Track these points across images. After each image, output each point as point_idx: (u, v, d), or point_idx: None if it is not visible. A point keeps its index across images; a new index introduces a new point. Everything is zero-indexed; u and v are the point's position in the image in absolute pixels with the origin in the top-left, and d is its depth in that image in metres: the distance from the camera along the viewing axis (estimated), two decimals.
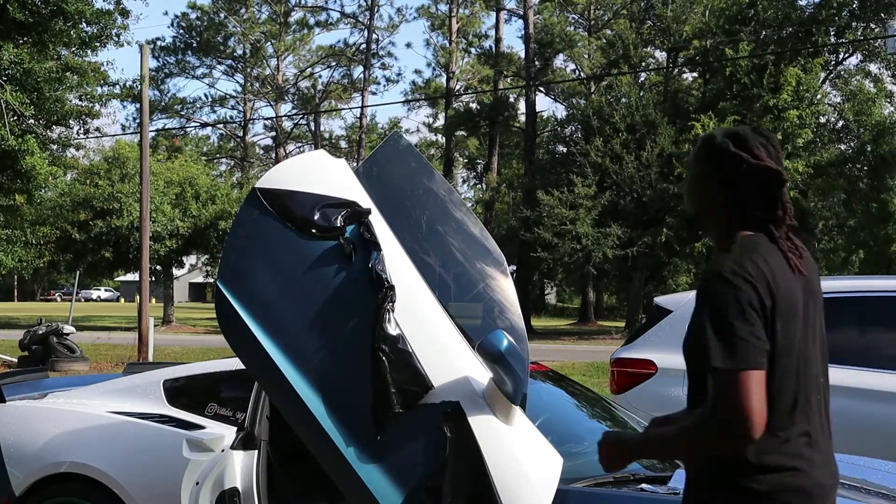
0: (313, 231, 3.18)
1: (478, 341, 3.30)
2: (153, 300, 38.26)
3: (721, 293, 2.11)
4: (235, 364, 4.49)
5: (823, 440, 2.20)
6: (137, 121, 36.71)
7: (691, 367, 2.22)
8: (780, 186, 2.22)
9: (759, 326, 2.07)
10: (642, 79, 32.99)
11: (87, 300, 72.32)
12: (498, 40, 40.60)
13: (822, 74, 30.98)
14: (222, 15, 48.02)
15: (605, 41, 35.61)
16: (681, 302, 6.07)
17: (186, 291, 77.26)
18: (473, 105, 41.66)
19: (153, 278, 32.36)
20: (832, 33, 31.24)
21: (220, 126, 51.14)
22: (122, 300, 74.47)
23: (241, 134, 51.32)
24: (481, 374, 3.10)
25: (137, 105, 37.57)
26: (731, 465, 2.09)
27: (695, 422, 2.08)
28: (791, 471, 2.10)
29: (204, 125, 50.64)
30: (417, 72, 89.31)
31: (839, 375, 5.38)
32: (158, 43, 47.37)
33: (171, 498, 3.99)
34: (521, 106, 40.43)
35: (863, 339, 5.97)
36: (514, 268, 34.24)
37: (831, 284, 6.12)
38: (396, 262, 3.21)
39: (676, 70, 33.39)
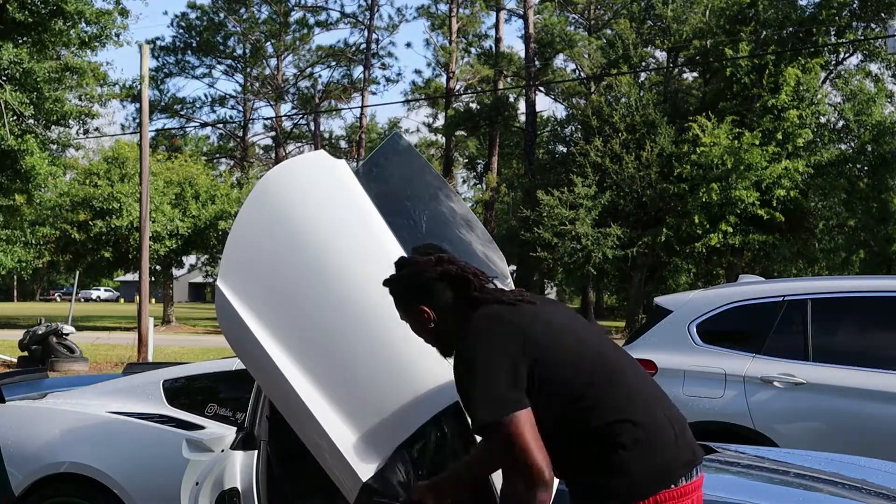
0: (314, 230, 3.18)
1: None
2: (153, 300, 38.27)
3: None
4: (235, 364, 4.50)
5: None
6: (137, 121, 36.74)
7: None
8: (451, 265, 2.56)
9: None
10: (642, 79, 33.00)
11: (86, 300, 72.27)
12: (498, 40, 40.59)
13: (823, 74, 30.95)
14: (222, 15, 47.99)
15: (605, 41, 35.61)
16: (681, 302, 6.07)
17: (186, 291, 77.25)
18: (473, 105, 41.64)
19: (153, 278, 32.38)
20: (832, 33, 31.21)
21: (220, 126, 51.13)
22: (122, 300, 74.44)
23: (240, 134, 51.30)
24: None
25: (137, 105, 37.61)
26: None
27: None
28: None
29: (204, 125, 50.63)
30: (417, 72, 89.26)
31: (840, 375, 5.39)
32: (158, 43, 47.38)
33: (171, 498, 3.99)
34: (521, 106, 40.44)
35: (863, 339, 5.97)
36: (514, 268, 34.24)
37: (831, 284, 6.13)
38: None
39: (676, 70, 33.39)
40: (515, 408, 2.29)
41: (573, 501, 2.47)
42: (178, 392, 4.72)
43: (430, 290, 2.55)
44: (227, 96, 50.49)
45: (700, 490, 2.47)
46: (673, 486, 2.36)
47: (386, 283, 2.63)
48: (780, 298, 5.74)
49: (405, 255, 3.21)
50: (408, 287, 2.58)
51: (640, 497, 2.33)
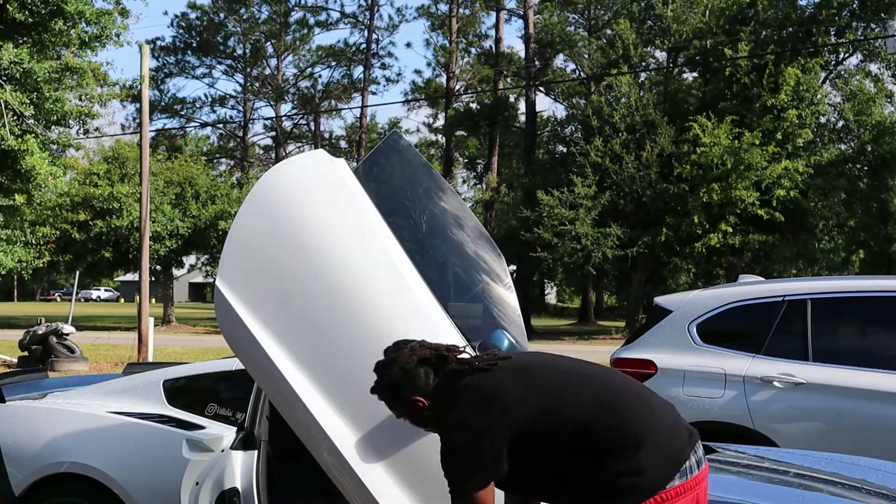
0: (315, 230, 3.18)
1: (478, 341, 3.30)
2: (153, 300, 38.27)
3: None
4: (235, 364, 4.49)
5: None
6: (137, 121, 36.71)
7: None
8: (424, 349, 2.69)
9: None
10: (642, 79, 32.97)
11: (86, 300, 72.28)
12: (498, 40, 40.58)
13: (822, 74, 30.94)
14: (222, 15, 47.99)
15: (605, 41, 35.59)
16: (681, 302, 6.07)
17: (186, 291, 77.25)
18: (473, 105, 41.63)
19: (153, 278, 32.39)
20: (832, 33, 31.21)
21: (220, 126, 51.13)
22: (122, 300, 74.45)
23: (240, 134, 51.29)
24: None
25: (137, 105, 37.59)
26: None
27: None
28: None
29: (204, 125, 50.62)
30: (417, 72, 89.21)
31: (840, 375, 5.38)
32: (158, 43, 47.37)
33: (171, 498, 3.99)
34: (521, 106, 40.44)
35: (863, 339, 5.97)
36: (514, 268, 34.24)
37: (831, 284, 6.13)
38: (395, 261, 3.20)
39: (676, 70, 33.38)
40: (478, 486, 2.51)
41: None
42: (178, 392, 4.72)
43: (414, 378, 2.66)
44: (227, 96, 50.53)
45: (706, 480, 2.65)
46: (686, 476, 2.53)
47: (373, 391, 2.74)
48: (780, 298, 5.74)
49: (403, 252, 3.22)
50: (395, 384, 2.68)
51: (660, 487, 2.50)
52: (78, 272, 34.28)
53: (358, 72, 48.57)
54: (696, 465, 2.58)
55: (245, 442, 3.81)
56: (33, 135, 17.43)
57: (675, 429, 2.60)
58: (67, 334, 16.44)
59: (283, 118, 50.49)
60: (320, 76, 51.20)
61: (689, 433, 2.62)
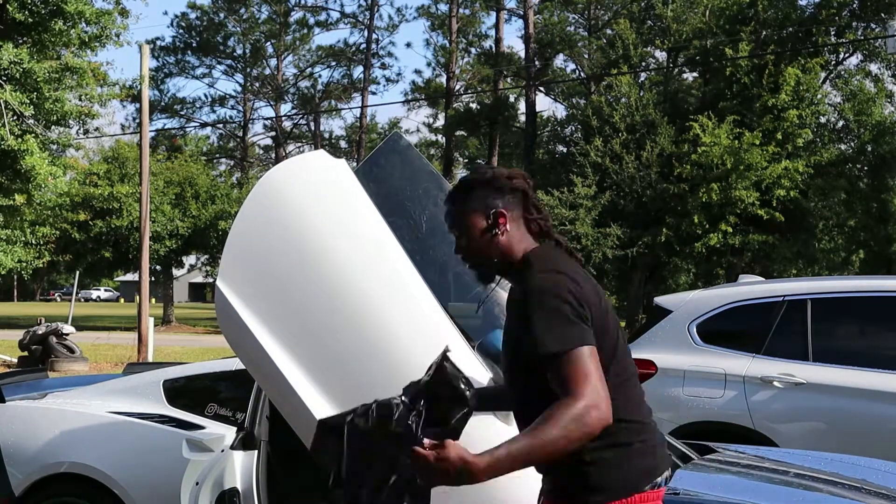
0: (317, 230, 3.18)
1: (478, 341, 3.30)
2: (153, 300, 38.27)
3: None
4: (235, 364, 4.49)
5: None
6: (137, 121, 36.70)
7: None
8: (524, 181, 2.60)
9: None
10: (642, 79, 32.96)
11: (86, 300, 72.29)
12: (498, 40, 40.58)
13: (823, 74, 30.94)
14: (222, 15, 47.99)
15: (605, 41, 35.59)
16: (681, 302, 6.07)
17: (186, 291, 77.26)
18: (473, 105, 41.64)
19: (153, 278, 32.40)
20: (832, 33, 31.20)
21: (220, 126, 51.12)
22: (122, 300, 74.46)
23: (240, 134, 51.28)
24: (481, 374, 3.10)
25: (137, 105, 37.60)
26: None
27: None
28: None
29: (204, 125, 50.61)
30: (417, 72, 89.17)
31: (840, 375, 5.39)
32: (158, 43, 47.36)
33: (171, 498, 3.99)
34: (521, 106, 40.44)
35: (863, 339, 5.97)
36: None
37: (831, 284, 6.13)
38: (395, 261, 3.20)
39: (676, 70, 33.37)
40: (583, 342, 2.30)
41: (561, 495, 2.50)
42: (178, 392, 4.72)
43: (504, 194, 2.53)
44: (227, 96, 50.50)
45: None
46: (656, 488, 2.43)
47: (465, 180, 2.61)
48: (780, 298, 5.74)
49: (403, 252, 3.21)
50: (488, 187, 2.54)
51: (635, 490, 2.39)
52: (78, 272, 34.30)
53: (358, 72, 48.61)
54: (665, 481, 2.48)
55: (245, 442, 3.81)
56: (33, 135, 17.43)
57: (664, 441, 2.57)
58: (67, 334, 16.45)
59: (283, 118, 50.50)
60: (320, 76, 51.30)
61: (671, 456, 2.60)
